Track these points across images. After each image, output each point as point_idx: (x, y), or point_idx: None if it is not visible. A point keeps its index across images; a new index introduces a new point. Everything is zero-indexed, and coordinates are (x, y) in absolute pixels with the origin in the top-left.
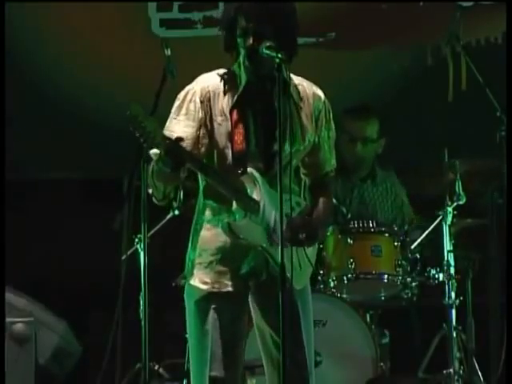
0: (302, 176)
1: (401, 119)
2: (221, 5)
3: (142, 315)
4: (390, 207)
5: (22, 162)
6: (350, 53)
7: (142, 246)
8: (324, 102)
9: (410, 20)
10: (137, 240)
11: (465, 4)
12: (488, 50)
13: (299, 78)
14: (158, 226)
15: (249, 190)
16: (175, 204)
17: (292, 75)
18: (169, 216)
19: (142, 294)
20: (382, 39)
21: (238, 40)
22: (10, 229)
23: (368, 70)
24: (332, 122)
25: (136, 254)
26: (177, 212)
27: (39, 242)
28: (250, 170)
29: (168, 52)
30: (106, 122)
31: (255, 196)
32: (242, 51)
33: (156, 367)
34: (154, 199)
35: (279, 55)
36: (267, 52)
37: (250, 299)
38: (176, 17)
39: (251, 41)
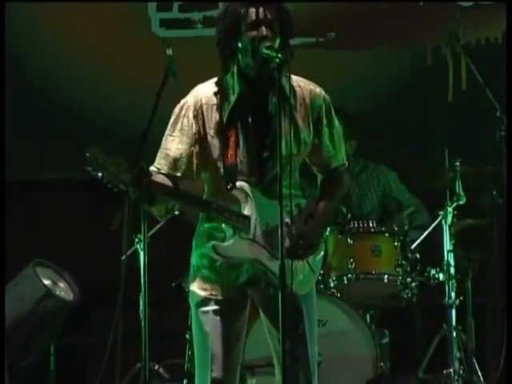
0: (316, 173)
1: (401, 119)
2: (221, 5)
3: (142, 315)
4: (374, 193)
5: (22, 161)
6: (349, 53)
7: (142, 245)
8: (323, 98)
9: (410, 20)
10: (137, 240)
11: (465, 4)
12: (488, 50)
13: (297, 77)
14: (158, 226)
15: (242, 205)
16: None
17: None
18: (169, 216)
19: (141, 294)
20: (381, 39)
21: (244, 35)
22: (10, 229)
23: (368, 70)
24: (334, 118)
25: (136, 254)
26: (177, 212)
27: (39, 242)
28: (239, 184)
29: (169, 52)
30: (106, 121)
31: (247, 210)
32: (247, 48)
33: (156, 367)
34: (155, 217)
35: (279, 55)
36: (267, 52)
37: (256, 303)
38: (176, 17)
39: (264, 32)
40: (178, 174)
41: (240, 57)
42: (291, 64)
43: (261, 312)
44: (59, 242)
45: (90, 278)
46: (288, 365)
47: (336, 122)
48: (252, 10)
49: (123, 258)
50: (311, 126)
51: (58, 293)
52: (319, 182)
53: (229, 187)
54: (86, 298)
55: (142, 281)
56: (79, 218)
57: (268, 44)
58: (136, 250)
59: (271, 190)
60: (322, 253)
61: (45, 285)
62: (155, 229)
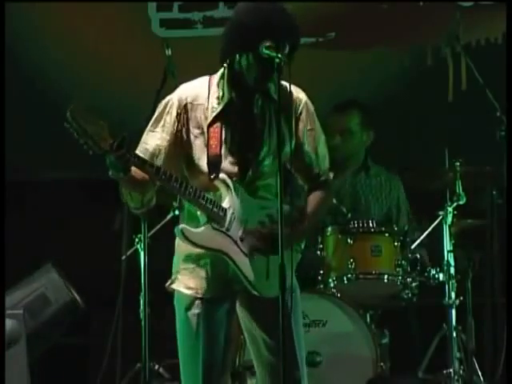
0: (301, 182)
1: (401, 119)
2: (221, 5)
3: (142, 315)
4: (385, 199)
5: (22, 162)
6: (350, 53)
7: (142, 245)
8: (305, 103)
9: (410, 20)
10: (137, 240)
11: (465, 4)
12: (488, 50)
13: (281, 82)
14: (158, 226)
15: (222, 195)
16: (175, 204)
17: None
18: (169, 216)
19: (142, 294)
20: (381, 39)
21: (257, 53)
22: (10, 229)
23: (368, 70)
24: (317, 125)
25: (136, 253)
26: (177, 212)
27: (39, 242)
28: (222, 175)
29: (169, 52)
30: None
31: (226, 202)
32: (253, 67)
33: (156, 367)
34: (131, 209)
35: (279, 55)
36: (267, 52)
37: (237, 303)
38: (176, 17)
39: (277, 60)
40: None
41: (242, 64)
42: (293, 62)
43: (243, 312)
44: (59, 241)
45: (90, 278)
46: (276, 365)
47: (319, 129)
48: (274, 36)
49: (123, 257)
50: (293, 128)
51: (77, 298)
52: (305, 191)
53: (212, 177)
54: (86, 297)
55: (142, 281)
56: (79, 218)
57: (268, 44)
58: (136, 250)
59: (252, 187)
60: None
61: (70, 291)
62: (155, 229)
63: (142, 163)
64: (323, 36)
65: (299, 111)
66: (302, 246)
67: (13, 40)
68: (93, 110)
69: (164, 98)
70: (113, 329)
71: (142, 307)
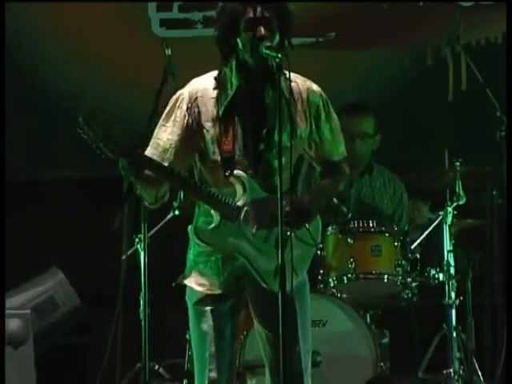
0: (315, 165)
1: (401, 119)
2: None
3: (142, 315)
4: (390, 201)
5: (22, 162)
6: (349, 53)
7: (142, 245)
8: (320, 95)
9: (410, 20)
10: (137, 240)
11: (465, 4)
12: (488, 50)
13: (293, 74)
14: (158, 226)
15: (237, 192)
16: (175, 204)
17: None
18: (169, 216)
19: (142, 294)
20: (381, 39)
21: (242, 34)
22: (10, 229)
23: (368, 70)
24: (333, 113)
25: (136, 253)
26: (177, 212)
27: (39, 242)
28: (237, 172)
29: (168, 52)
30: None
31: (241, 200)
32: (246, 46)
33: (156, 367)
34: (145, 203)
35: (279, 55)
36: (267, 52)
37: (248, 299)
38: (176, 17)
39: (262, 31)
40: (166, 164)
41: (239, 53)
42: (294, 62)
43: (251, 308)
44: (59, 241)
45: (90, 278)
46: (276, 361)
47: (334, 116)
48: (249, 9)
49: (123, 257)
50: (309, 121)
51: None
52: (317, 173)
53: (227, 174)
54: (86, 297)
55: (142, 281)
56: (79, 218)
57: (268, 44)
58: (136, 249)
59: (266, 183)
60: (319, 224)
61: (77, 296)
62: (155, 229)
63: (155, 167)
64: (323, 36)
65: (316, 104)
66: (317, 240)
67: (13, 40)
68: (104, 113)
69: (166, 97)
70: (113, 329)
71: (142, 307)
